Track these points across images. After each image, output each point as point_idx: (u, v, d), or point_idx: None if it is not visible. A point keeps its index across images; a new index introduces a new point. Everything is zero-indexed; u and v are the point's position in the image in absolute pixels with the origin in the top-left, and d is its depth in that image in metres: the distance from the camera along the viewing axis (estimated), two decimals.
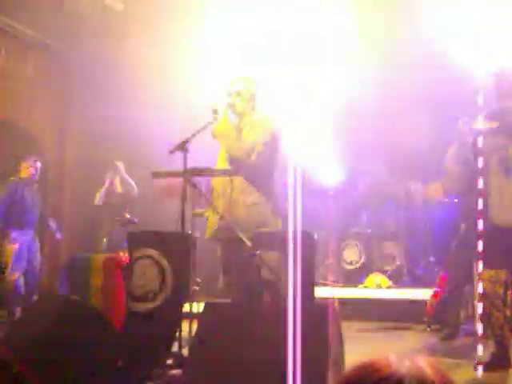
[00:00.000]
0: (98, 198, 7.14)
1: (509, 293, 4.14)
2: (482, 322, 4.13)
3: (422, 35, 7.17)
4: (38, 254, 6.57)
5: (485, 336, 4.15)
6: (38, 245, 6.58)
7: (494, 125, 4.22)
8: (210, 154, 4.47)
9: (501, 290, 4.03)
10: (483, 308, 4.08)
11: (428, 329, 5.96)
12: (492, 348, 4.11)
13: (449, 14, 6.24)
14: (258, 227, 4.02)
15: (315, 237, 4.27)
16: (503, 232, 3.99)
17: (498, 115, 4.16)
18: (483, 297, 4.07)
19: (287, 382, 2.20)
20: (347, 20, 6.78)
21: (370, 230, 7.67)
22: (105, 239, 6.69)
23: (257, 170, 4.08)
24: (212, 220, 4.21)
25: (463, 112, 4.61)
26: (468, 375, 3.98)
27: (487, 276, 4.04)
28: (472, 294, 5.86)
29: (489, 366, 3.92)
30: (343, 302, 7.45)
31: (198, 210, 4.16)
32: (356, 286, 7.18)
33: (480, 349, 3.97)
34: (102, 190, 7.15)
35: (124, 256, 4.47)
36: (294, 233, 2.94)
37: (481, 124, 4.28)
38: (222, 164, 4.30)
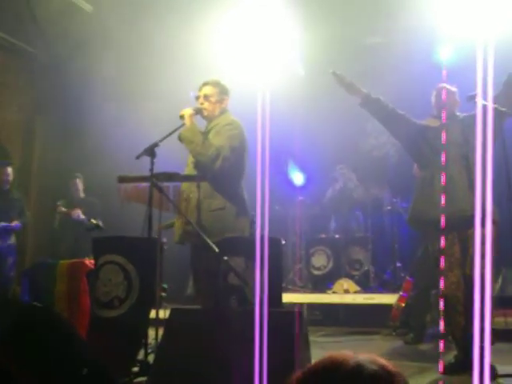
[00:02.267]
0: (57, 223, 7.25)
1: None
2: (445, 325, 4.19)
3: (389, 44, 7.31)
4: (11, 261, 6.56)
5: (448, 340, 4.22)
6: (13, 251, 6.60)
7: (436, 123, 4.34)
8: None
9: (461, 294, 4.08)
10: (445, 313, 4.13)
11: (394, 333, 6.02)
12: (455, 351, 4.16)
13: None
14: (223, 232, 4.01)
15: (282, 242, 4.28)
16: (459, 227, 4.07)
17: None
18: (445, 301, 4.12)
19: None
20: None
21: (337, 236, 7.72)
22: (66, 245, 6.69)
23: (223, 175, 4.07)
24: (179, 225, 4.19)
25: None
26: (433, 379, 4.03)
27: (448, 280, 4.10)
28: (437, 298, 5.94)
29: (452, 369, 3.97)
30: (311, 307, 7.50)
31: (166, 222, 4.15)
32: (324, 292, 7.21)
33: (443, 353, 4.02)
34: (58, 216, 7.25)
35: (89, 262, 4.42)
36: (262, 238, 2.94)
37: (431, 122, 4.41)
38: (189, 169, 4.29)
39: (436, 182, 4.18)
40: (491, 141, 2.11)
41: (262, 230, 2.94)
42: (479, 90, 2.91)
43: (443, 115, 4.28)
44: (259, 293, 2.81)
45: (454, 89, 4.48)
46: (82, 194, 7.61)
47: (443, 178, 4.07)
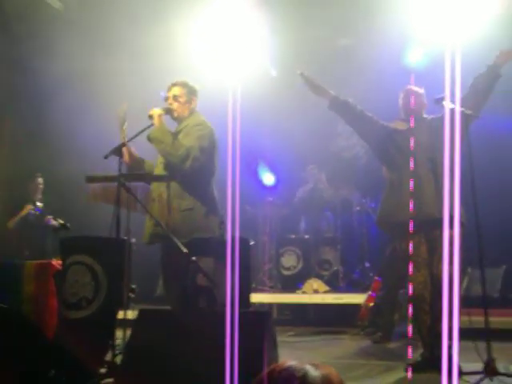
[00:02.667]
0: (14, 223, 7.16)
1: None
2: (411, 324, 4.25)
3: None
4: None
5: (415, 338, 4.27)
6: None
7: (405, 126, 4.40)
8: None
9: (427, 294, 4.15)
10: (412, 311, 4.19)
11: (362, 332, 6.08)
12: (421, 350, 4.22)
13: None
14: (192, 232, 4.00)
15: (251, 243, 4.29)
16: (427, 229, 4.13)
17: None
18: (412, 300, 4.18)
19: None
20: None
21: (307, 236, 7.75)
22: (32, 246, 6.60)
23: (193, 175, 4.06)
24: (149, 225, 4.17)
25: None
26: (400, 377, 4.08)
27: (415, 279, 4.16)
28: (405, 298, 6.01)
29: (418, 368, 4.03)
30: (281, 307, 7.53)
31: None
32: (294, 292, 7.24)
33: (410, 351, 4.08)
34: (19, 218, 7.15)
35: (57, 262, 4.37)
36: (231, 239, 2.95)
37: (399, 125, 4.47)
38: (159, 169, 4.27)
39: (404, 185, 4.23)
40: (459, 144, 2.15)
41: (232, 230, 2.95)
42: (447, 93, 2.96)
43: (411, 119, 4.33)
44: (230, 294, 2.81)
45: (421, 91, 4.54)
46: (40, 195, 7.52)
47: (411, 182, 4.13)
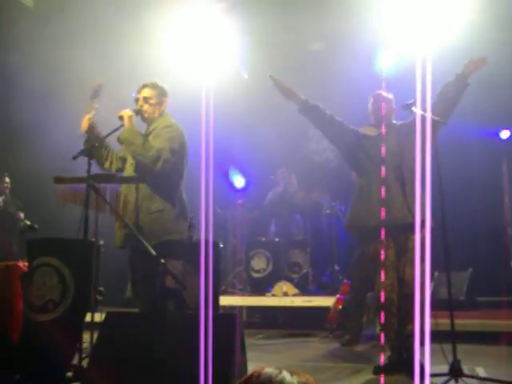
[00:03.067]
0: None
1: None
2: (380, 327, 4.30)
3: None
4: None
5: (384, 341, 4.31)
6: None
7: (375, 132, 4.45)
8: None
9: (395, 297, 4.20)
10: (381, 314, 4.24)
11: (331, 335, 6.11)
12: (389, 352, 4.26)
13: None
14: (162, 235, 3.97)
15: (221, 245, 4.29)
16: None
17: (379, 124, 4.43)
18: (381, 303, 4.23)
19: None
20: None
21: (277, 239, 7.77)
22: None
23: (162, 177, 4.04)
24: (119, 228, 4.13)
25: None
26: (368, 379, 4.11)
27: (383, 283, 4.21)
28: (373, 300, 6.07)
29: (386, 370, 4.07)
30: (251, 310, 7.53)
31: None
32: (263, 295, 7.25)
33: (381, 360, 4.11)
34: None
35: (23, 264, 4.30)
36: (203, 242, 2.94)
37: (368, 130, 4.51)
38: (128, 170, 4.23)
39: (373, 191, 4.27)
40: (430, 150, 2.18)
41: (206, 233, 2.95)
42: (418, 99, 3.00)
43: (382, 125, 4.37)
44: (203, 296, 2.81)
45: (390, 96, 4.58)
46: (5, 195, 7.42)
47: (380, 188, 4.16)
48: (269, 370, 1.22)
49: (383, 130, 4.39)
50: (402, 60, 6.47)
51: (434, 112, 3.93)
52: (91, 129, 4.15)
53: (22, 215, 6.98)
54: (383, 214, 4.10)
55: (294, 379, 1.21)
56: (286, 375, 1.21)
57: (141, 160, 4.02)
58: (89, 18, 6.93)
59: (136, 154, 4.03)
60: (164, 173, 4.02)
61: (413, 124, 4.05)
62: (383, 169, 4.20)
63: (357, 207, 4.43)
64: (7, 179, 7.34)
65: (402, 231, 4.14)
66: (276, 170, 8.35)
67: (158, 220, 4.02)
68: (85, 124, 4.13)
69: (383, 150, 4.24)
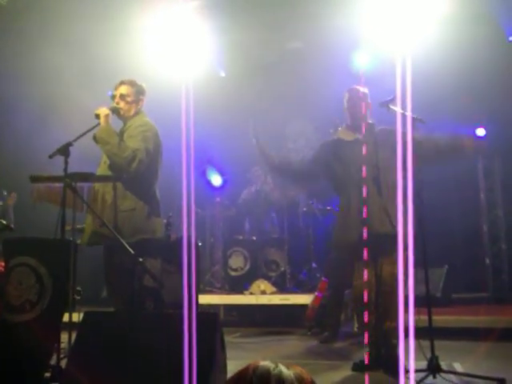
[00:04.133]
0: None
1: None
2: (358, 324, 4.33)
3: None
4: None
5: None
6: None
7: (351, 137, 4.45)
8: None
9: (372, 294, 4.22)
10: (358, 311, 4.27)
11: (309, 333, 6.14)
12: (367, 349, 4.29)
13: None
14: (134, 233, 3.94)
15: (199, 244, 4.27)
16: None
17: (356, 127, 4.41)
18: (357, 301, 4.26)
19: None
20: None
21: (254, 238, 7.78)
22: None
23: (138, 176, 4.01)
24: (90, 226, 4.09)
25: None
26: (346, 375, 4.14)
27: (360, 280, 4.23)
28: (351, 298, 6.11)
29: (364, 367, 4.10)
30: (228, 308, 7.53)
31: (79, 226, 4.05)
32: (241, 293, 7.25)
33: (366, 360, 4.14)
34: None
35: (0, 264, 4.25)
36: (179, 240, 2.93)
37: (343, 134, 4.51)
38: (102, 169, 4.20)
39: (353, 209, 4.27)
40: (411, 158, 2.19)
41: (188, 231, 2.93)
42: (398, 97, 3.01)
43: (359, 127, 4.35)
44: (186, 295, 2.80)
45: (365, 90, 4.56)
46: None
47: (364, 209, 4.14)
48: (265, 364, 1.23)
49: (359, 134, 4.38)
50: (380, 58, 6.51)
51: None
52: None
53: None
54: (364, 230, 4.07)
55: (291, 372, 1.22)
56: (282, 368, 1.22)
57: (116, 160, 3.98)
58: (64, 17, 6.85)
59: (111, 153, 3.99)
60: (138, 173, 4.00)
61: (392, 134, 4.01)
62: (360, 181, 4.18)
63: (340, 229, 4.41)
64: None
65: (382, 242, 4.10)
66: (251, 169, 8.34)
67: (130, 218, 4.00)
68: None
69: (360, 160, 4.20)
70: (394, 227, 4.05)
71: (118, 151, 3.94)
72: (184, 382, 2.06)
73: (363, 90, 4.53)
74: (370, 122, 4.47)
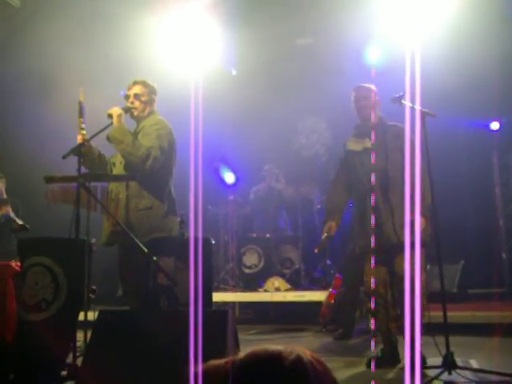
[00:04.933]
0: None
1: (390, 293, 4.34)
2: (372, 320, 4.32)
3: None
4: None
5: (376, 334, 4.34)
6: None
7: (359, 146, 4.45)
8: None
9: (383, 290, 4.23)
10: (372, 307, 4.27)
11: (324, 329, 6.13)
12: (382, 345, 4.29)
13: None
14: (151, 232, 3.96)
15: (212, 242, 4.28)
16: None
17: (364, 133, 4.41)
18: (369, 296, 4.27)
19: None
20: None
21: (268, 235, 7.77)
22: None
23: (152, 175, 4.03)
24: (107, 225, 4.11)
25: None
26: (360, 372, 4.13)
27: (369, 276, 4.24)
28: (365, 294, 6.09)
29: (379, 363, 4.09)
30: (243, 305, 7.54)
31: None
32: (255, 290, 7.25)
33: (372, 346, 4.14)
34: None
35: (16, 264, 4.28)
36: (192, 238, 2.93)
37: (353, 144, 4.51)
38: (118, 169, 4.22)
39: (368, 216, 4.29)
40: (419, 154, 2.18)
41: (195, 230, 2.94)
42: (407, 91, 2.99)
43: (371, 133, 4.34)
44: (192, 293, 2.80)
45: (372, 87, 4.49)
46: (4, 195, 7.37)
47: (372, 217, 4.21)
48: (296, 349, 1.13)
49: (369, 140, 4.38)
50: (391, 52, 6.48)
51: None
52: (87, 147, 4.12)
53: (11, 214, 6.94)
54: (376, 237, 4.16)
55: (308, 353, 1.13)
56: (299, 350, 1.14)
57: (131, 159, 4.00)
58: (76, 17, 6.89)
59: (125, 152, 4.01)
60: (153, 171, 4.02)
61: (403, 132, 4.00)
62: (372, 188, 4.23)
63: (359, 235, 4.45)
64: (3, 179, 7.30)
65: (395, 249, 4.13)
66: (265, 166, 8.33)
67: (147, 217, 4.01)
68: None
69: (369, 170, 4.26)
70: (398, 236, 4.09)
71: (132, 150, 3.96)
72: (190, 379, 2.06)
73: (370, 86, 4.48)
74: (378, 119, 4.43)
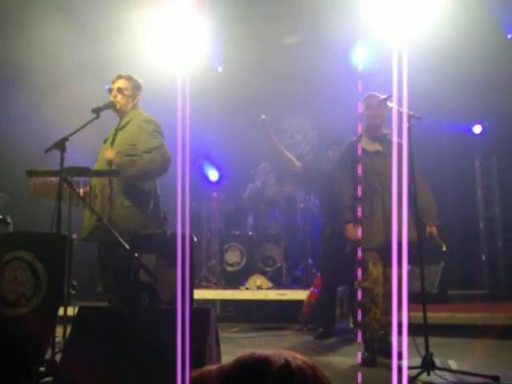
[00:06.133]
0: None
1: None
2: (362, 317, 4.37)
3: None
4: None
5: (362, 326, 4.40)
6: None
7: (372, 147, 4.50)
8: None
9: (381, 289, 4.31)
10: (364, 304, 4.32)
11: (304, 328, 6.14)
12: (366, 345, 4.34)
13: None
14: (136, 229, 3.95)
15: (194, 239, 4.27)
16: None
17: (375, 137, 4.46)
18: (365, 294, 4.32)
19: None
20: None
21: (251, 233, 7.77)
22: None
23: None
24: (89, 221, 4.08)
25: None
26: (340, 371, 4.15)
27: (371, 274, 4.30)
28: (347, 294, 6.12)
29: (367, 361, 4.15)
30: (225, 303, 7.53)
31: None
32: (237, 288, 7.25)
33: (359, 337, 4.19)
34: None
35: None
36: (175, 236, 2.93)
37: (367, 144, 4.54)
38: (100, 164, 4.19)
39: (376, 217, 4.41)
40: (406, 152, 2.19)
41: (182, 227, 2.93)
42: (394, 93, 3.01)
43: (382, 139, 4.41)
44: (180, 290, 2.79)
45: (383, 96, 4.49)
46: None
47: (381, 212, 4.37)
48: (285, 355, 1.09)
49: (380, 145, 4.47)
50: (377, 53, 6.50)
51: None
52: None
53: None
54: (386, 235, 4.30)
55: (299, 360, 1.10)
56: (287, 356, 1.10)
57: (151, 173, 4.03)
58: (64, 10, 6.81)
59: (143, 172, 4.03)
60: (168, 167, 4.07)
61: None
62: (382, 189, 4.37)
63: (365, 230, 4.48)
64: None
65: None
66: (252, 164, 8.30)
67: (133, 214, 4.00)
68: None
69: (382, 168, 4.35)
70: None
71: (145, 166, 3.99)
72: (177, 377, 2.06)
73: (382, 96, 4.41)
74: (385, 132, 4.54)
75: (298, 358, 1.10)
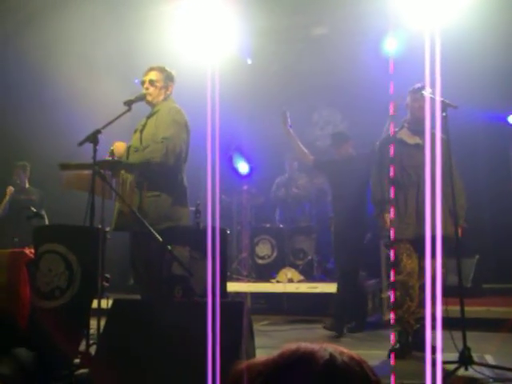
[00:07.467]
0: (1, 211, 7.09)
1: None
2: (393, 311, 4.33)
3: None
4: None
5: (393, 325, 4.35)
6: None
7: (412, 140, 4.44)
8: None
9: (414, 281, 4.27)
10: (396, 298, 4.28)
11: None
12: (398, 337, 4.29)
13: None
14: (159, 219, 3.94)
15: (227, 232, 4.25)
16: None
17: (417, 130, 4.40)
18: (400, 287, 4.28)
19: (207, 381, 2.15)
20: None
21: (282, 226, 7.75)
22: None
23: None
24: (119, 211, 4.09)
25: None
26: (373, 365, 4.09)
27: (406, 267, 4.26)
28: (379, 287, 6.06)
29: (398, 354, 4.09)
30: (256, 296, 7.52)
31: None
32: (268, 281, 7.23)
33: (392, 339, 4.14)
34: (5, 203, 7.09)
35: (30, 251, 4.28)
36: (211, 229, 2.91)
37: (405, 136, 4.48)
38: (132, 156, 4.19)
39: (410, 209, 4.40)
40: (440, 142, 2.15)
41: (212, 220, 2.92)
42: (427, 82, 2.95)
43: (425, 133, 4.34)
44: (210, 283, 2.78)
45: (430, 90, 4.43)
46: (26, 184, 7.43)
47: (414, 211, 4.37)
48: (330, 349, 1.06)
49: (421, 139, 4.42)
50: (409, 42, 6.39)
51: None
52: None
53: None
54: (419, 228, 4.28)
55: (345, 355, 1.08)
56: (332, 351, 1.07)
57: (152, 161, 4.01)
58: (91, 6, 6.85)
59: (145, 159, 4.02)
60: (178, 160, 4.03)
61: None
62: (418, 182, 4.36)
63: (396, 221, 4.45)
64: (21, 169, 7.36)
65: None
66: (282, 157, 8.26)
67: (155, 204, 3.99)
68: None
69: (419, 162, 4.29)
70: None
71: (149, 155, 3.98)
72: (207, 370, 2.05)
73: (430, 90, 4.38)
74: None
75: (344, 353, 1.07)
